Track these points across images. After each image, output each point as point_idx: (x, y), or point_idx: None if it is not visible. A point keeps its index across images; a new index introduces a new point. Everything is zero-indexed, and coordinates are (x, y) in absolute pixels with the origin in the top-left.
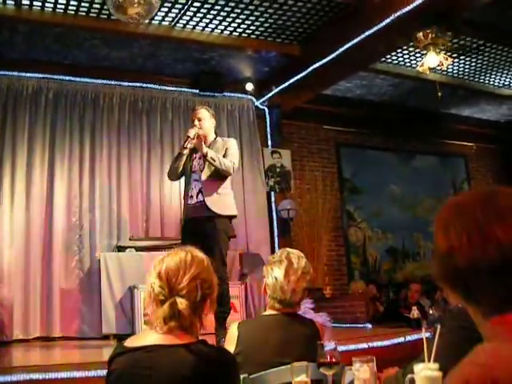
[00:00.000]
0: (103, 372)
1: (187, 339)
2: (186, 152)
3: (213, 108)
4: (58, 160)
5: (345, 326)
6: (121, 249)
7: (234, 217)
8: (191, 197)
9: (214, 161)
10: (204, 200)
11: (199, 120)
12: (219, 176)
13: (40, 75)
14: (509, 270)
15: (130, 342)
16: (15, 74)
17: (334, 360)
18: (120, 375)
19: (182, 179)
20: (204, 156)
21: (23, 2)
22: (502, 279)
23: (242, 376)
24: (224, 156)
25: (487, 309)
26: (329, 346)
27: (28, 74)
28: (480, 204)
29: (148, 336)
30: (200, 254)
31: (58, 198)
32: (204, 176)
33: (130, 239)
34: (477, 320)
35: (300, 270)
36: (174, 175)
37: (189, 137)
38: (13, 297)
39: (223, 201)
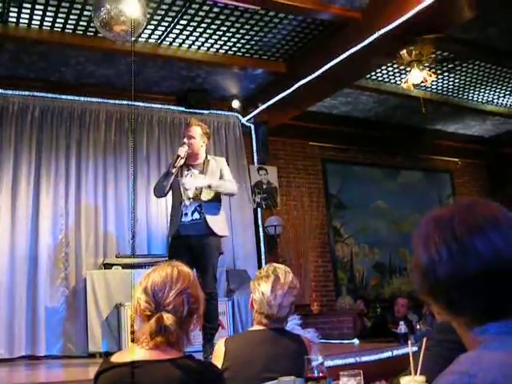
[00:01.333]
0: None
1: (174, 354)
2: (174, 171)
3: None
4: (43, 177)
5: (332, 341)
6: (107, 266)
7: (225, 236)
8: (185, 214)
9: (220, 188)
10: (204, 218)
11: (189, 138)
12: (218, 197)
13: (26, 92)
14: (489, 281)
15: (116, 358)
16: (1, 91)
17: (321, 374)
18: None
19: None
20: (209, 187)
21: (9, 20)
22: (482, 290)
23: None
24: (220, 177)
25: (470, 320)
26: (316, 360)
27: (14, 92)
28: (458, 216)
29: (134, 351)
30: (186, 269)
31: (44, 215)
32: (204, 197)
33: (116, 256)
34: (460, 331)
35: (287, 285)
36: (161, 192)
37: (179, 156)
38: None
39: (222, 221)
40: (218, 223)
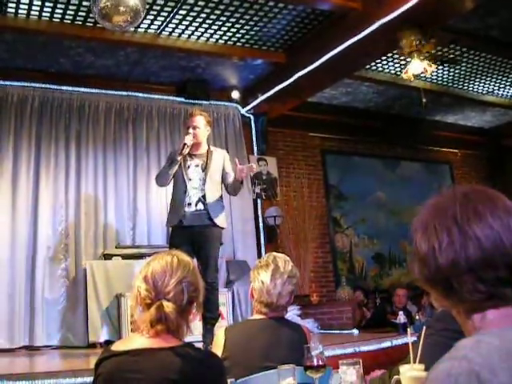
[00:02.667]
0: (90, 379)
1: (174, 342)
2: (180, 159)
3: None
4: (43, 169)
5: (332, 332)
6: (107, 257)
7: (224, 228)
8: (189, 204)
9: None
10: (206, 209)
11: (194, 128)
12: (219, 189)
13: (25, 83)
14: (489, 267)
15: (116, 346)
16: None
17: (320, 363)
18: (107, 379)
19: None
20: (240, 181)
21: (8, 10)
22: (482, 276)
23: (229, 380)
24: (224, 169)
25: (469, 307)
26: (316, 349)
27: (13, 83)
28: (458, 203)
29: (135, 340)
30: (186, 258)
31: (44, 206)
32: (208, 188)
33: (116, 247)
34: (460, 319)
35: (286, 274)
36: (164, 181)
37: (185, 144)
38: None
39: (222, 213)
40: (220, 214)
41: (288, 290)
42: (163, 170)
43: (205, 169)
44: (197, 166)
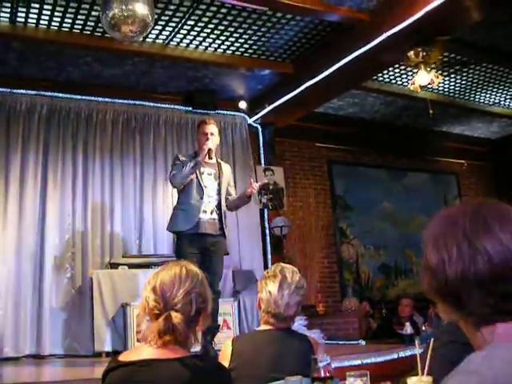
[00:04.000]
0: None
1: (182, 353)
2: (203, 163)
3: None
4: (50, 177)
5: (338, 342)
6: (113, 266)
7: None
8: (204, 212)
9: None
10: (221, 218)
11: (212, 134)
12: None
13: (33, 92)
14: (498, 281)
15: (124, 357)
16: (8, 90)
17: (327, 374)
18: None
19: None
20: (249, 197)
21: (18, 20)
22: (491, 290)
23: None
24: (229, 183)
25: (478, 320)
26: (323, 360)
27: (21, 91)
28: (468, 217)
29: (142, 350)
30: (194, 269)
31: (51, 215)
32: (222, 198)
33: (122, 256)
34: (468, 332)
35: (294, 285)
36: (183, 181)
37: (210, 149)
38: (3, 314)
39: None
40: (227, 225)
41: (295, 301)
42: (185, 171)
43: (218, 178)
44: (209, 174)
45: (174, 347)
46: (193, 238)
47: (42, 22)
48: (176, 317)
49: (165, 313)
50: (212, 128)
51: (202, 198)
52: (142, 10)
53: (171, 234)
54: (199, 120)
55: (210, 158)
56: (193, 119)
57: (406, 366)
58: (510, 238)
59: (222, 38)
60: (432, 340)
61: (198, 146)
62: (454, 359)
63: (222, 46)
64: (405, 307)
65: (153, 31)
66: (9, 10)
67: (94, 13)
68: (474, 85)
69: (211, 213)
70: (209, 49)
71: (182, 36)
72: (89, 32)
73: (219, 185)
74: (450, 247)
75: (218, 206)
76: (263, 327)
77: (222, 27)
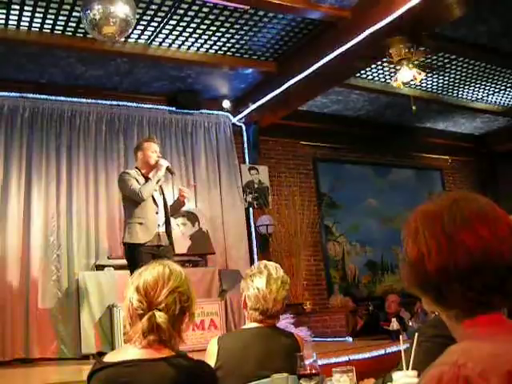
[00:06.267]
0: None
1: (166, 353)
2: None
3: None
4: (34, 179)
5: (325, 339)
6: (99, 268)
7: None
8: (158, 225)
9: None
10: (169, 231)
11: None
12: None
13: (15, 94)
14: (478, 274)
15: (109, 358)
16: None
17: (314, 371)
18: None
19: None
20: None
21: None
22: (471, 283)
23: None
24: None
25: (459, 312)
26: (309, 358)
27: (3, 93)
28: (447, 211)
29: (127, 351)
30: (178, 268)
31: (35, 217)
32: (167, 210)
33: (108, 258)
34: (450, 324)
35: (280, 280)
36: (148, 196)
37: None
38: None
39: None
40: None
41: (282, 296)
42: (152, 186)
43: (162, 193)
44: (155, 190)
45: (158, 347)
46: (150, 249)
47: (22, 23)
48: (160, 316)
49: (149, 312)
50: (158, 147)
51: (157, 213)
52: (123, 9)
53: None
54: (143, 138)
55: (147, 176)
56: (176, 119)
57: (393, 362)
58: (488, 232)
59: (205, 37)
60: (417, 334)
61: (143, 162)
62: (439, 353)
63: (205, 46)
64: (391, 303)
65: (135, 31)
66: None
67: (75, 13)
68: (457, 81)
69: (163, 225)
70: (191, 48)
71: (164, 36)
72: (70, 33)
73: (164, 199)
74: (429, 241)
75: (168, 220)
76: (250, 325)
77: (204, 26)
